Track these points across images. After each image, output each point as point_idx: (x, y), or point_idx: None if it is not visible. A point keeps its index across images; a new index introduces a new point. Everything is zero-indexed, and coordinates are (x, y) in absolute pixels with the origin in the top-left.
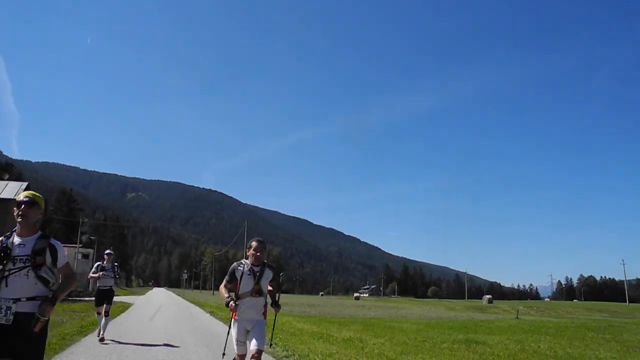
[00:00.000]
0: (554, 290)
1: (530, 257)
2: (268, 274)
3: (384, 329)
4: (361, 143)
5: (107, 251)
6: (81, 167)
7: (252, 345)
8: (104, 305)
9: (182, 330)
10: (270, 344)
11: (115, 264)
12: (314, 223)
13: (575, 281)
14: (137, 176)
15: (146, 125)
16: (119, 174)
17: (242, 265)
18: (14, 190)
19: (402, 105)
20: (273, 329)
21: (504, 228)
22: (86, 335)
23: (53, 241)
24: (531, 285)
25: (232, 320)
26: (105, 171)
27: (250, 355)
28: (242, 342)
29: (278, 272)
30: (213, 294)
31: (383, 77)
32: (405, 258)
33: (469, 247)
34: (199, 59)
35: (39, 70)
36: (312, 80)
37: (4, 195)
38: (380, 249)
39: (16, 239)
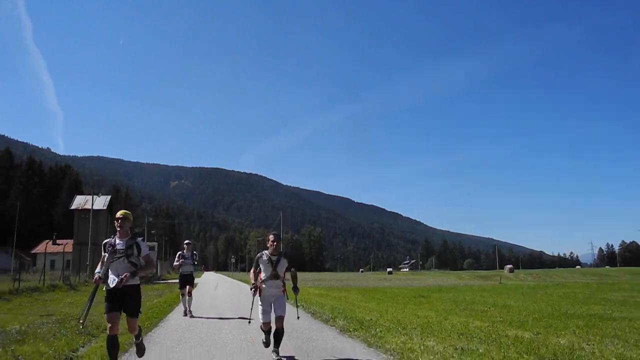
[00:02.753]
0: (595, 257)
1: (575, 225)
2: (283, 262)
3: (373, 292)
4: (394, 120)
5: (186, 241)
6: (125, 159)
7: (278, 312)
8: (187, 287)
9: (237, 294)
10: (298, 317)
11: (194, 252)
12: (356, 201)
13: (616, 247)
14: (179, 164)
15: (184, 113)
16: (161, 163)
17: (263, 255)
18: (101, 202)
19: (434, 81)
20: (297, 307)
21: (546, 198)
22: (172, 312)
23: (138, 240)
24: (572, 253)
25: (257, 296)
26: (148, 161)
27: (276, 319)
28: (267, 311)
29: (291, 261)
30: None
31: (410, 55)
32: (449, 231)
33: (514, 217)
34: (231, 44)
35: (77, 67)
36: (344, 61)
37: (96, 206)
38: (422, 224)
39: (117, 240)
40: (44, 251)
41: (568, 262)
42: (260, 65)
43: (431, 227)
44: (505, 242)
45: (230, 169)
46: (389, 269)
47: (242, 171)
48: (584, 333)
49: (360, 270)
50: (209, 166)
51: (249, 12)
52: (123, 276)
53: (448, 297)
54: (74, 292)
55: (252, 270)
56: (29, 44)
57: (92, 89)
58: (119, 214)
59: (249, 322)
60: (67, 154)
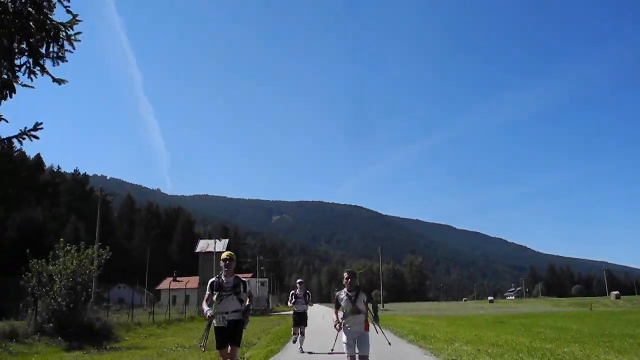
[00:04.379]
0: None
1: None
2: (362, 297)
3: (459, 320)
4: (490, 143)
5: (299, 280)
6: (228, 196)
7: (361, 352)
8: (300, 326)
9: None
10: (389, 343)
11: (307, 291)
12: (457, 228)
13: None
14: (279, 199)
15: (283, 150)
16: (263, 198)
17: (342, 293)
18: (221, 245)
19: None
20: (383, 332)
21: None
22: (285, 347)
23: (242, 279)
24: None
25: (343, 331)
26: (250, 197)
27: (359, 359)
28: (351, 345)
29: (370, 294)
30: None
31: (505, 72)
32: (558, 256)
33: (630, 237)
34: (320, 85)
35: (180, 109)
36: (437, 85)
37: (217, 249)
38: (529, 248)
39: (224, 279)
40: (167, 287)
41: None
42: (349, 99)
43: (537, 252)
44: (623, 266)
45: (330, 202)
46: (490, 298)
47: (341, 203)
48: (602, 348)
49: (464, 299)
50: (309, 199)
51: (336, 46)
52: (245, 320)
53: (524, 322)
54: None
55: (333, 312)
56: (138, 93)
57: (194, 132)
58: (225, 255)
59: (332, 351)
60: (175, 194)
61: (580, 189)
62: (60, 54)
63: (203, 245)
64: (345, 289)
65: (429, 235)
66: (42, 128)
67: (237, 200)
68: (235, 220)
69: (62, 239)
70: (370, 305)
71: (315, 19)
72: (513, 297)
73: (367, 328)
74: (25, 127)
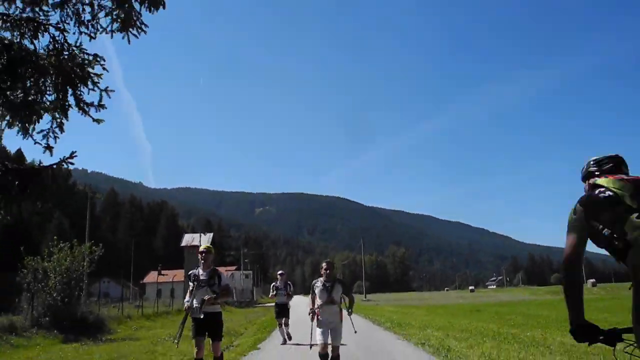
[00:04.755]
0: None
1: None
2: (338, 288)
3: (439, 309)
4: (473, 135)
5: (280, 272)
6: (210, 189)
7: (334, 342)
8: (283, 318)
9: None
10: (355, 331)
11: (288, 282)
12: (440, 218)
13: None
14: (263, 191)
15: (266, 142)
16: (246, 191)
17: (318, 282)
18: (206, 239)
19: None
20: (353, 324)
21: None
22: (269, 337)
23: (218, 271)
24: None
25: (316, 319)
26: (233, 190)
27: (332, 349)
28: (325, 332)
29: (346, 286)
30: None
31: (484, 66)
32: (540, 245)
33: None
34: (305, 77)
35: (163, 105)
36: (424, 76)
37: (202, 243)
38: (511, 238)
39: (200, 271)
40: (154, 281)
41: None
42: (332, 93)
43: (519, 242)
44: (604, 255)
45: (313, 193)
46: (471, 287)
47: (324, 194)
48: (561, 331)
49: (446, 289)
50: (291, 191)
51: (318, 40)
52: (205, 298)
53: (499, 311)
54: None
55: (309, 297)
56: (120, 86)
57: (176, 125)
58: (202, 248)
59: (310, 348)
60: (157, 187)
61: (564, 177)
62: (101, 103)
63: (188, 239)
64: (322, 279)
65: (413, 226)
66: (76, 156)
67: (220, 193)
68: (219, 213)
69: (55, 237)
70: (347, 299)
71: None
72: (494, 287)
73: (340, 318)
74: (64, 156)
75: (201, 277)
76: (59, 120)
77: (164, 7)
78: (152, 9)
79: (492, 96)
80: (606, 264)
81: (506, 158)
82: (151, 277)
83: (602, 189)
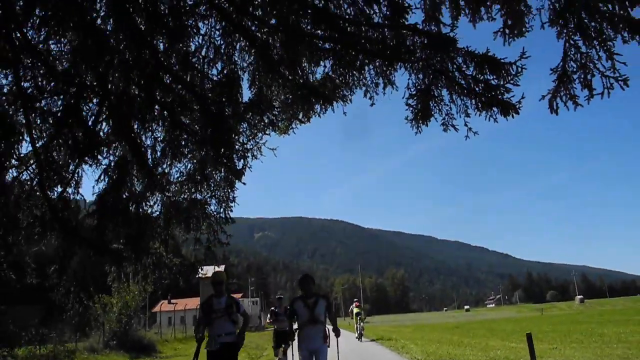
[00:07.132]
0: None
1: None
2: (322, 304)
3: (427, 327)
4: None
5: (278, 295)
6: None
7: None
8: (282, 346)
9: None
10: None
11: (287, 307)
12: (439, 238)
13: None
14: (261, 216)
15: (264, 169)
16: (244, 216)
17: (298, 300)
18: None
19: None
20: (338, 350)
21: None
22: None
23: (235, 299)
24: None
25: (298, 345)
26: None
27: None
28: (307, 357)
29: (329, 302)
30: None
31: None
32: (539, 262)
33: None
34: None
35: None
36: None
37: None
38: (510, 256)
39: (215, 300)
40: (165, 310)
41: None
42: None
43: (518, 259)
44: (603, 270)
45: (312, 217)
46: (466, 307)
47: (323, 218)
48: (503, 340)
49: (445, 309)
50: (290, 215)
51: None
52: (240, 343)
53: (474, 327)
54: None
55: (289, 321)
56: None
57: None
58: (216, 278)
59: None
60: None
61: (564, 194)
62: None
63: (203, 270)
64: (300, 296)
65: (412, 247)
66: None
67: None
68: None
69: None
70: (328, 315)
71: None
72: (493, 305)
73: (325, 340)
74: None
75: (216, 307)
76: None
77: None
78: None
79: None
80: (603, 280)
81: (507, 175)
82: (161, 306)
83: None
